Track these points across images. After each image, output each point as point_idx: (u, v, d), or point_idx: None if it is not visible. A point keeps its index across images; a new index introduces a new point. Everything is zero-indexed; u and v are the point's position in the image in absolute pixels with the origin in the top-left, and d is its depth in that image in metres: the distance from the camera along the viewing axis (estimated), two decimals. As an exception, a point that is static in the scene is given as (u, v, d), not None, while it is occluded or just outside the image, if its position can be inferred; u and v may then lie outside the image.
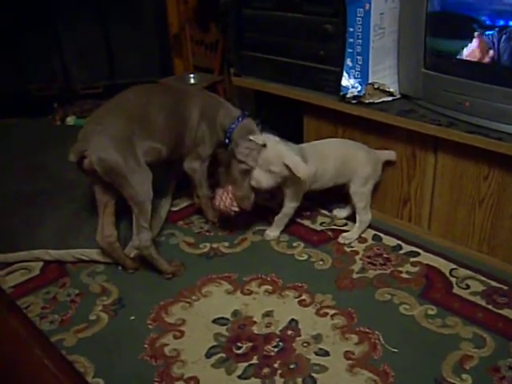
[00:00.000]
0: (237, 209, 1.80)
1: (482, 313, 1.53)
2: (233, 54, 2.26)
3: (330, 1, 1.80)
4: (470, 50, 1.58)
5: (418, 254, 1.80)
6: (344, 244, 1.86)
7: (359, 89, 1.82)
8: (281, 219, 1.90)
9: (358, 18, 1.75)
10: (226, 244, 1.90)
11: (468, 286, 1.63)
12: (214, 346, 1.45)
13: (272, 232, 1.91)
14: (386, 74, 1.85)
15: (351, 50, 1.79)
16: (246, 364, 1.39)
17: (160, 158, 1.73)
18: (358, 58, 1.80)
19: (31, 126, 2.74)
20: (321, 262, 1.78)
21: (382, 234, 1.91)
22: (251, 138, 1.75)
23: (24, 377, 0.90)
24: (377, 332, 1.47)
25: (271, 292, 1.65)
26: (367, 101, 1.83)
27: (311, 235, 1.93)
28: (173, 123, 1.75)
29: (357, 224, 1.89)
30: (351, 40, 1.78)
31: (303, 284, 1.68)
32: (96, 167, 1.55)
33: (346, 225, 1.98)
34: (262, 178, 1.73)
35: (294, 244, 1.89)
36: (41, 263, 1.83)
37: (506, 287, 1.62)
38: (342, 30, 1.78)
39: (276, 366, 1.38)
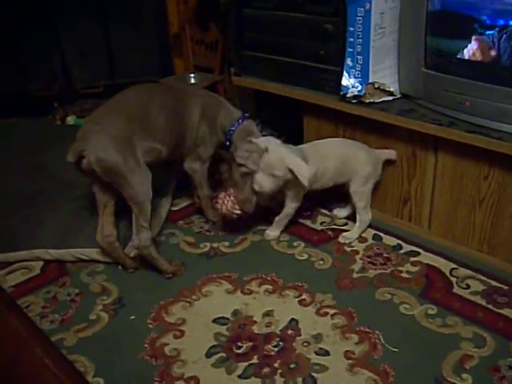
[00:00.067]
0: (239, 212, 1.80)
1: (483, 312, 1.52)
2: (233, 54, 2.26)
3: (330, 0, 1.80)
4: (471, 50, 1.58)
5: (419, 253, 1.80)
6: (344, 244, 1.86)
7: (359, 88, 1.82)
8: (282, 220, 1.90)
9: (358, 18, 1.75)
10: (227, 244, 1.90)
11: (468, 286, 1.63)
12: (214, 346, 1.45)
13: (272, 232, 1.91)
14: (386, 74, 1.85)
15: (351, 50, 1.79)
16: (246, 363, 1.39)
17: (160, 158, 1.73)
18: (359, 57, 1.80)
19: (31, 126, 2.74)
20: (321, 262, 1.78)
21: (382, 234, 1.91)
22: (253, 140, 1.74)
23: (24, 376, 0.90)
24: (377, 332, 1.47)
25: (271, 292, 1.65)
26: (367, 100, 1.83)
27: (311, 235, 1.93)
28: (173, 123, 1.75)
29: (357, 224, 1.89)
30: (351, 39, 1.78)
31: (303, 284, 1.68)
32: (95, 167, 1.55)
33: (346, 224, 1.98)
34: (265, 182, 1.72)
35: (295, 244, 1.89)
36: (41, 263, 1.83)
37: (506, 287, 1.62)
38: (342, 29, 1.78)
39: (276, 365, 1.38)
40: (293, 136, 2.07)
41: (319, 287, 1.66)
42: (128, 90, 1.74)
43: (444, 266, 1.73)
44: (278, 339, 1.47)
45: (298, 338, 1.47)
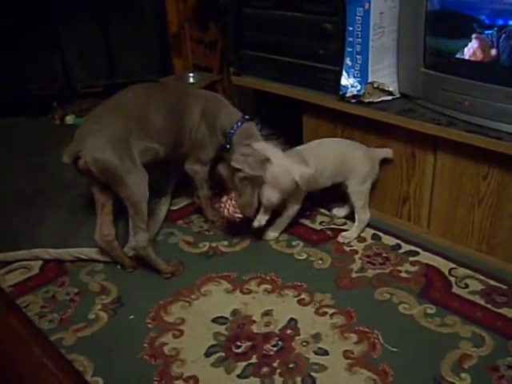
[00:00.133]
0: (240, 215, 1.79)
1: (481, 312, 1.53)
2: (232, 53, 2.26)
3: (329, 0, 1.80)
4: (470, 50, 1.58)
5: (418, 253, 1.80)
6: (343, 243, 1.86)
7: (359, 88, 1.82)
8: (283, 221, 1.89)
9: (357, 17, 1.75)
10: (226, 243, 1.90)
11: (467, 286, 1.64)
12: (213, 345, 1.45)
13: (272, 232, 1.91)
14: (385, 74, 1.85)
15: (351, 49, 1.79)
16: (245, 363, 1.39)
17: (158, 158, 1.73)
18: (358, 57, 1.80)
19: (31, 126, 2.74)
20: (320, 262, 1.78)
21: (381, 234, 1.91)
22: (252, 145, 1.71)
23: (23, 376, 0.90)
24: (376, 331, 1.47)
25: (270, 291, 1.65)
26: (367, 100, 1.83)
27: (310, 234, 1.94)
28: (172, 123, 1.74)
29: (355, 223, 1.89)
30: (351, 39, 1.78)
31: (302, 283, 1.68)
32: (91, 167, 1.55)
33: (345, 224, 1.98)
34: (273, 196, 1.72)
35: (294, 243, 1.89)
36: (40, 262, 1.83)
37: (504, 286, 1.62)
38: (341, 29, 1.78)
39: (275, 365, 1.38)
40: (292, 136, 2.07)
41: (318, 287, 1.66)
42: (127, 89, 1.73)
43: (443, 265, 1.73)
44: (277, 339, 1.47)
45: (297, 337, 1.47)
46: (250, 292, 1.65)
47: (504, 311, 1.52)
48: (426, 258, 1.77)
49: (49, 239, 1.81)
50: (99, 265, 1.81)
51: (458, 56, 1.63)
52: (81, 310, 1.61)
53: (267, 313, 1.56)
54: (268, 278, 1.71)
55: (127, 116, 1.62)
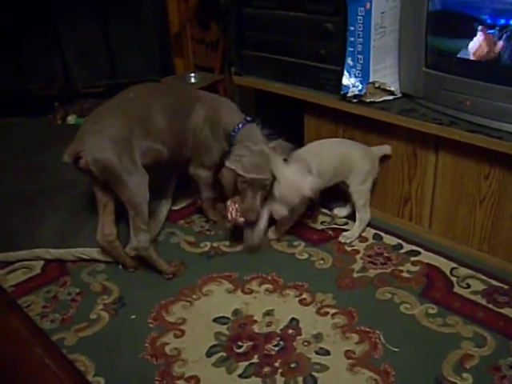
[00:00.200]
0: (243, 219, 1.77)
1: (483, 312, 1.52)
2: (233, 53, 2.26)
3: (330, 0, 1.80)
4: (476, 43, 1.58)
5: (419, 253, 1.80)
6: (344, 243, 1.86)
7: (360, 88, 1.82)
8: (285, 224, 1.89)
9: (358, 17, 1.74)
10: (227, 243, 1.90)
11: (468, 285, 1.63)
12: (214, 345, 1.45)
13: (275, 234, 1.91)
14: (386, 73, 1.85)
15: (352, 49, 1.79)
16: (246, 363, 1.39)
17: (161, 159, 1.72)
18: (359, 56, 1.79)
19: (31, 126, 2.74)
20: (321, 261, 1.78)
21: (382, 233, 1.91)
22: (252, 149, 1.69)
23: (25, 376, 0.90)
24: (377, 331, 1.47)
25: (272, 291, 1.65)
26: (368, 100, 1.83)
27: (312, 234, 1.93)
28: (175, 124, 1.73)
29: (357, 222, 1.89)
30: (352, 39, 1.78)
31: (304, 283, 1.68)
32: (92, 167, 1.55)
33: (346, 224, 1.98)
34: (283, 211, 1.72)
35: (295, 243, 1.89)
36: (41, 262, 1.83)
37: (506, 286, 1.62)
38: (342, 28, 1.78)
39: (277, 365, 1.38)
40: (293, 136, 2.06)
41: (320, 287, 1.66)
42: (129, 89, 1.73)
43: (444, 265, 1.73)
44: (278, 339, 1.47)
45: (298, 337, 1.47)
46: (251, 292, 1.65)
47: (506, 311, 1.52)
48: (427, 257, 1.77)
49: (49, 239, 1.81)
50: (101, 265, 1.81)
51: (459, 56, 1.63)
52: (82, 309, 1.61)
53: (268, 313, 1.56)
54: (269, 277, 1.71)
55: (129, 116, 1.62)
